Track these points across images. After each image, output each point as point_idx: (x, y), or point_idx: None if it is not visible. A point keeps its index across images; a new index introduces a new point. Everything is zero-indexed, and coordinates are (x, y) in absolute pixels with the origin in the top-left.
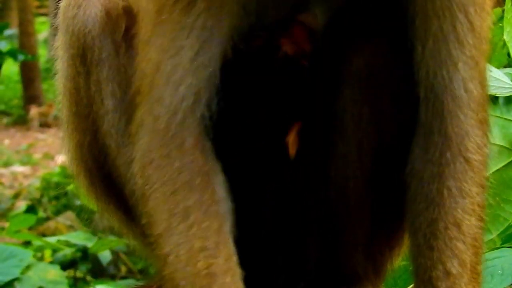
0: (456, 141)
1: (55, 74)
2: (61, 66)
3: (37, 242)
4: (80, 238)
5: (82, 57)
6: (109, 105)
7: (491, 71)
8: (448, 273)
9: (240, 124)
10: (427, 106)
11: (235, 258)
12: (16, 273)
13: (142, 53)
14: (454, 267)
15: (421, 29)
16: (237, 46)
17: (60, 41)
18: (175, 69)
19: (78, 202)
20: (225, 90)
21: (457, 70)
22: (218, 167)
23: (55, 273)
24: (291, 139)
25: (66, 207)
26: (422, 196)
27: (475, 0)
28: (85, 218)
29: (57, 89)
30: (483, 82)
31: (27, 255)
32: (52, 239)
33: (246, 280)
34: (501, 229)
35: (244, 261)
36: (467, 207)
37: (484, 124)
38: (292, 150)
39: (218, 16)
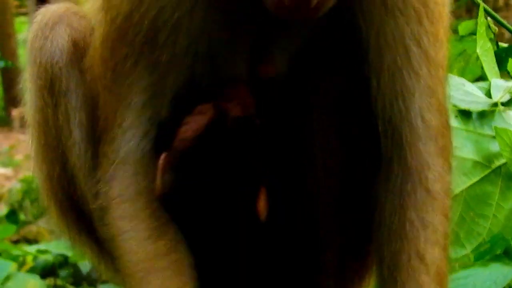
0: (416, 172)
1: (24, 104)
2: (29, 98)
3: (17, 252)
4: (60, 247)
5: (50, 88)
6: (77, 136)
7: (464, 85)
8: None
9: (202, 194)
10: (386, 138)
11: None
12: None
13: (102, 96)
14: None
15: (376, 62)
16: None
17: (28, 72)
18: (125, 119)
19: None
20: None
21: (414, 100)
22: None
23: (34, 283)
24: (261, 207)
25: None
26: (385, 227)
27: (428, 30)
28: None
29: (26, 120)
30: (442, 110)
31: (7, 265)
32: (32, 248)
33: None
34: (476, 244)
35: None
36: (430, 238)
37: (445, 151)
38: (262, 215)
39: (164, 77)
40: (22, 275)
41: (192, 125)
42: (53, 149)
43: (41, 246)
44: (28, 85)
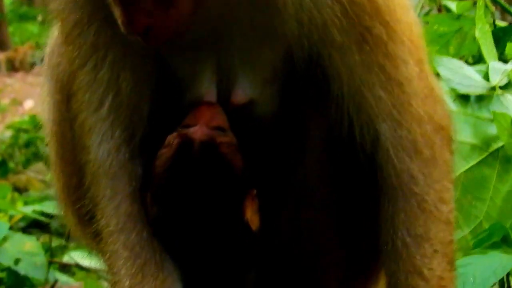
0: (400, 189)
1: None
2: (47, 110)
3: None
4: (56, 208)
5: (67, 103)
6: None
7: (462, 68)
8: None
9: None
10: (371, 160)
11: None
12: None
13: None
14: None
15: (338, 89)
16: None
17: (45, 87)
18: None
19: (47, 150)
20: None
21: (392, 118)
22: None
23: (31, 244)
24: (249, 215)
25: (36, 155)
26: (382, 246)
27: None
28: None
29: (44, 131)
30: (421, 122)
31: (4, 226)
32: (27, 209)
33: None
34: (473, 226)
35: None
36: (426, 252)
37: (432, 160)
38: (253, 225)
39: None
40: (19, 236)
41: (162, 159)
42: (70, 162)
43: (36, 207)
44: (46, 99)
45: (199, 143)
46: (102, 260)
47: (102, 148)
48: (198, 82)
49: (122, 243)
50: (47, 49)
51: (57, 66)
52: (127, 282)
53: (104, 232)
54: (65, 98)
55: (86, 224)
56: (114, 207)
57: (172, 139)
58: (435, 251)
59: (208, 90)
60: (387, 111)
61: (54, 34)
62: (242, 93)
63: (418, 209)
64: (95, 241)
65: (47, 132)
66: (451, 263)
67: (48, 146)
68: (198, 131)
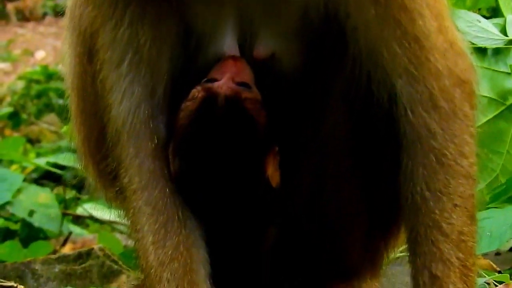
0: (420, 142)
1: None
2: (68, 63)
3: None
4: (70, 160)
5: (89, 56)
6: None
7: (479, 22)
8: (434, 277)
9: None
10: (391, 113)
11: None
12: (7, 196)
13: None
14: (439, 270)
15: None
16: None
17: (67, 39)
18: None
19: (59, 101)
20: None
21: (408, 73)
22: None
23: (45, 196)
24: (270, 172)
25: (48, 106)
26: (402, 202)
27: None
28: (65, 117)
29: (65, 83)
30: (440, 76)
31: (18, 178)
32: (40, 161)
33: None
34: (489, 180)
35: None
36: (445, 206)
37: (451, 114)
38: (274, 181)
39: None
40: (33, 188)
41: (186, 112)
42: (91, 115)
43: (50, 158)
44: (67, 51)
45: (223, 98)
46: (125, 217)
47: (123, 105)
48: (220, 36)
49: (145, 200)
50: (69, 2)
51: (79, 19)
52: (150, 238)
53: (128, 190)
54: (87, 51)
55: (108, 178)
56: (137, 165)
57: (197, 92)
58: (455, 205)
59: (230, 44)
60: (404, 67)
61: None
62: (264, 48)
63: (437, 163)
64: (117, 196)
65: (68, 85)
66: (472, 217)
67: (69, 99)
68: (223, 86)
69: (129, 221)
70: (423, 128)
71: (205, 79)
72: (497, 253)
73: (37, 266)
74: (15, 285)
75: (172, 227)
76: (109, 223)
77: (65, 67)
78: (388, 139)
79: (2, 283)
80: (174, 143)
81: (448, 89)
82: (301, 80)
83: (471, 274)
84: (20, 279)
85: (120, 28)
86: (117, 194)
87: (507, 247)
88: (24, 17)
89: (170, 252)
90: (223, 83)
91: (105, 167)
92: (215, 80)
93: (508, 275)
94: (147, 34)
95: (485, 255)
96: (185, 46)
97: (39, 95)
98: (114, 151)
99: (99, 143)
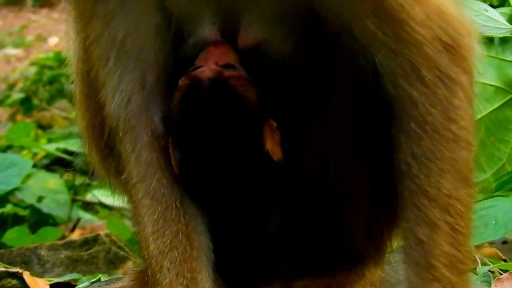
0: (407, 111)
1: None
2: (72, 47)
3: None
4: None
5: None
6: None
7: (486, 11)
8: (419, 241)
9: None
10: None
11: None
12: (16, 182)
13: None
14: (424, 233)
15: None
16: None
17: (70, 23)
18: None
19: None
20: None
21: (386, 47)
22: None
23: (55, 182)
24: (270, 146)
25: (60, 92)
26: (396, 170)
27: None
28: None
29: (69, 68)
30: (421, 45)
31: (27, 164)
32: (51, 147)
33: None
34: (495, 169)
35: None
36: (431, 171)
37: (436, 81)
38: (275, 155)
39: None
40: (42, 173)
41: (175, 103)
42: (95, 100)
43: (60, 144)
44: (71, 36)
45: (207, 81)
46: (129, 210)
47: (115, 102)
48: (199, 24)
49: (144, 191)
50: None
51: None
52: (150, 228)
53: (129, 184)
54: (88, 37)
55: (112, 165)
56: (134, 159)
57: (182, 82)
58: (442, 170)
59: (211, 31)
60: (380, 41)
61: None
62: (249, 34)
63: (420, 130)
64: (120, 183)
65: (72, 70)
66: (465, 180)
67: (73, 84)
68: (205, 70)
69: (132, 214)
70: (405, 99)
71: (191, 68)
72: (504, 242)
73: (43, 252)
74: (20, 271)
75: (170, 215)
76: (118, 209)
77: (70, 51)
78: (390, 118)
79: (7, 269)
80: (172, 135)
81: (431, 57)
82: (294, 65)
83: (462, 238)
84: (26, 264)
85: (103, 23)
86: (120, 182)
87: None
88: (39, 2)
89: (169, 241)
90: (205, 68)
91: (109, 152)
92: (199, 67)
93: None
94: (129, 27)
95: (491, 244)
96: (168, 36)
97: (51, 81)
98: (114, 147)
99: (102, 127)
